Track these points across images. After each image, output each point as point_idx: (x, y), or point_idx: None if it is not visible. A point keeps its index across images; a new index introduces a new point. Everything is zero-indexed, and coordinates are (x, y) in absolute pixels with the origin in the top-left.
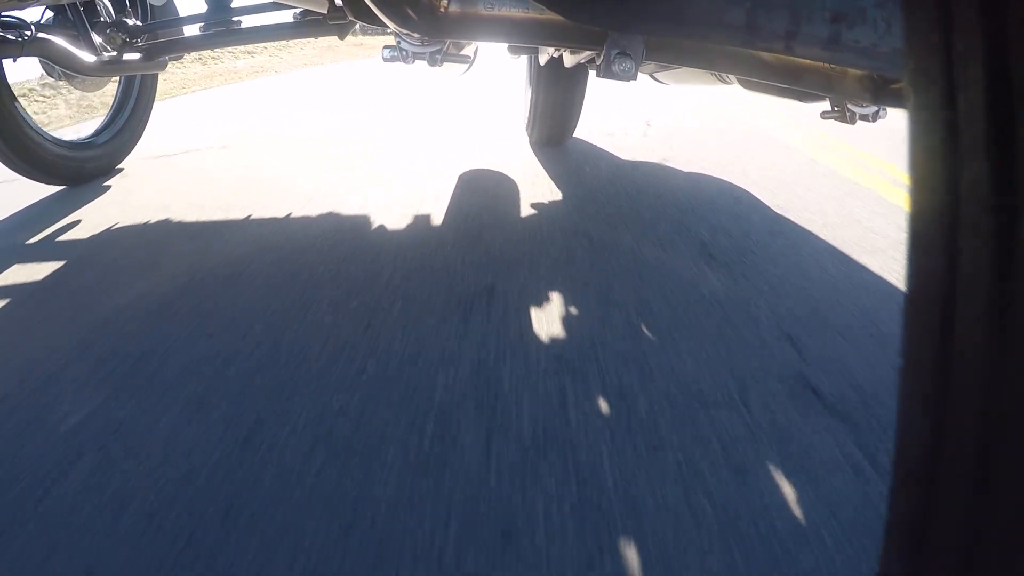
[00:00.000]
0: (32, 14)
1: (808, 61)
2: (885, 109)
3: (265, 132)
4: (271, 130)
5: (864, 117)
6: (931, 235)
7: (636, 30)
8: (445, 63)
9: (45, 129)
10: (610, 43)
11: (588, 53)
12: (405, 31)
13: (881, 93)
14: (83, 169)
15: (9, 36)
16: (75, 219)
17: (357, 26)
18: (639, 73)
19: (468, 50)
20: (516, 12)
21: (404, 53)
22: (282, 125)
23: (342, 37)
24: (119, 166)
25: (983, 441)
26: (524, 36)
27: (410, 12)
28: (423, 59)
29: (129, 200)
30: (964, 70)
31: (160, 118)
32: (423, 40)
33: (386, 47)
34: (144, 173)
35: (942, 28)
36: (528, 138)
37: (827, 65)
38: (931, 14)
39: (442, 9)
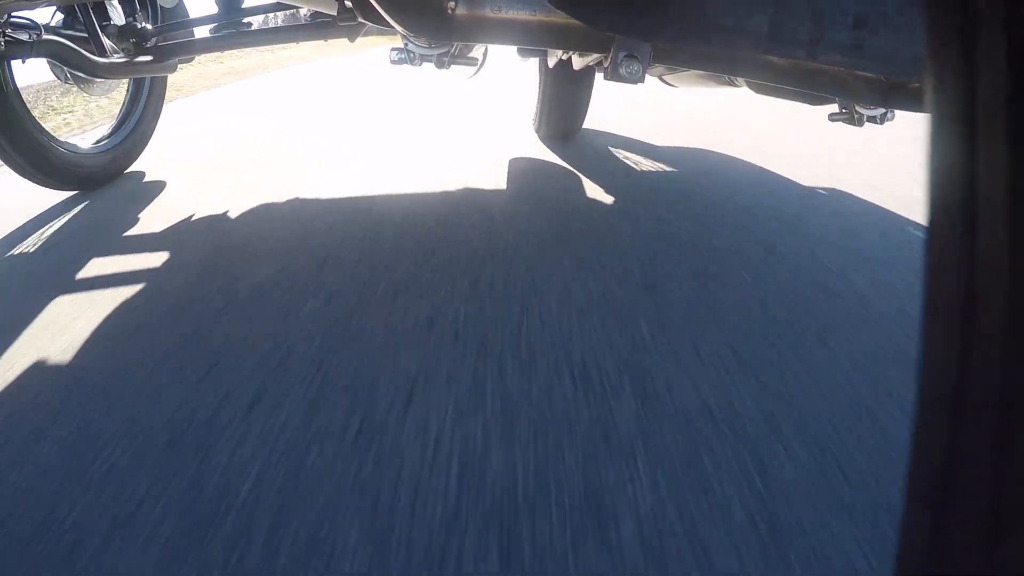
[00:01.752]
0: (42, 15)
1: (817, 64)
2: (893, 111)
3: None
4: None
5: (872, 119)
6: (948, 234)
7: (659, 38)
8: (453, 66)
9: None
10: (617, 46)
11: (596, 56)
12: (412, 33)
13: (890, 95)
14: (94, 173)
15: (18, 36)
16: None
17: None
18: (647, 75)
19: (476, 52)
20: (523, 15)
21: (411, 55)
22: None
23: (352, 39)
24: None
25: (1005, 446)
26: (531, 39)
27: (417, 14)
28: (430, 61)
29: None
30: (987, 76)
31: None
32: (431, 42)
33: (393, 49)
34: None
35: (965, 34)
36: (536, 133)
37: (836, 68)
38: (954, 21)
39: (449, 11)
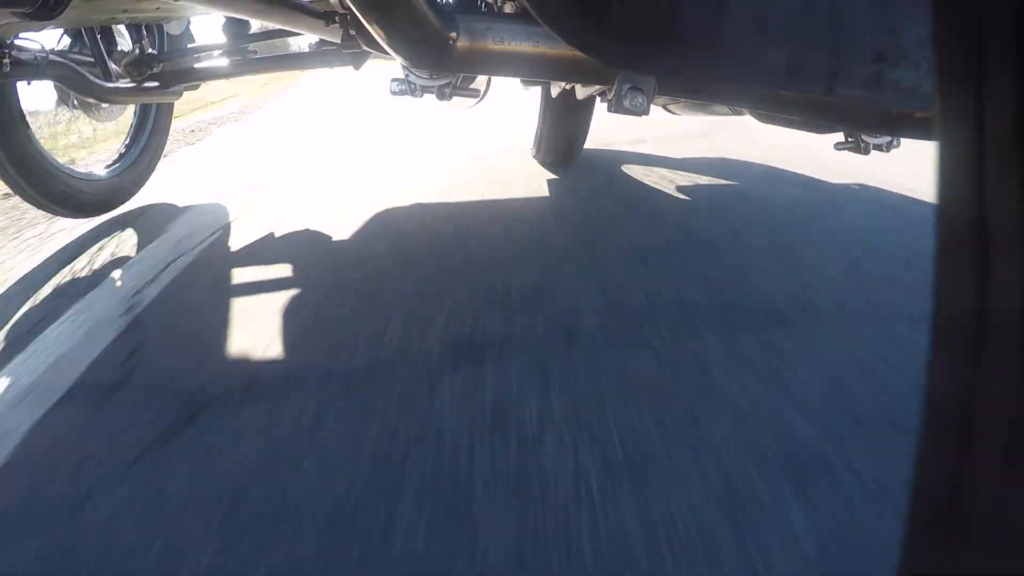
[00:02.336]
0: (49, 38)
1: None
2: (899, 139)
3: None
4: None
5: (878, 147)
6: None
7: (674, 76)
8: (455, 97)
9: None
10: (621, 78)
11: (599, 87)
12: (413, 65)
13: (895, 124)
14: (100, 200)
15: (24, 58)
16: None
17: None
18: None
19: (478, 83)
20: (526, 47)
21: (412, 86)
22: None
23: (357, 67)
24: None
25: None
26: (533, 71)
27: (418, 45)
28: (432, 93)
29: None
30: (995, 111)
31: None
32: (432, 73)
33: (394, 80)
34: None
35: (975, 70)
36: (534, 159)
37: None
38: (964, 56)
39: (451, 43)
